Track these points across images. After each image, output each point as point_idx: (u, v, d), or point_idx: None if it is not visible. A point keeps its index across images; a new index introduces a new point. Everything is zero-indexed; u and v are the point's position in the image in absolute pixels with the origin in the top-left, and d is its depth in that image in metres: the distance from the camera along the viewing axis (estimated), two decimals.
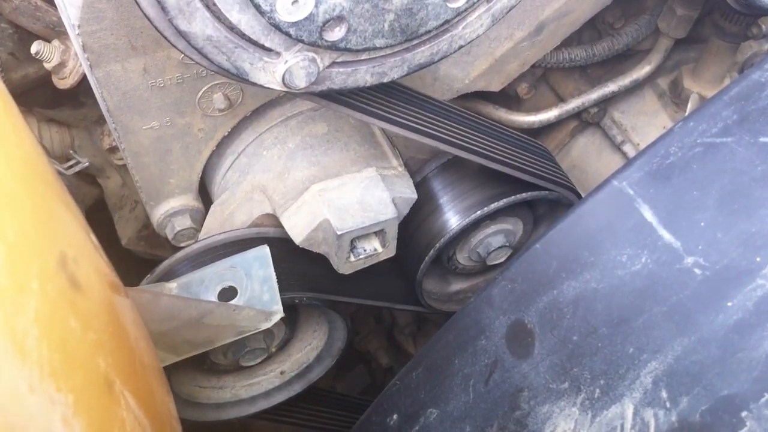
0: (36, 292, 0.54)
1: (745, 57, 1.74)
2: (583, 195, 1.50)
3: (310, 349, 1.52)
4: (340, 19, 0.94)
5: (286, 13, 0.90)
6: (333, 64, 1.03)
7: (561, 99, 1.77)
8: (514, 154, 1.40)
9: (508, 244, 1.49)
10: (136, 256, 1.71)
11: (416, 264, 1.45)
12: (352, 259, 1.30)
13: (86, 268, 0.63)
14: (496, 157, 1.35)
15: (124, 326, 0.70)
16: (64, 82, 1.32)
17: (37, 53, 1.29)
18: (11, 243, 0.53)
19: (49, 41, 1.31)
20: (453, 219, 1.40)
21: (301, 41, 0.95)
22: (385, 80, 1.09)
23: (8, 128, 0.60)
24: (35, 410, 0.53)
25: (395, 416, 1.04)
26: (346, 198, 1.28)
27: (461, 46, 1.11)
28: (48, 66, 1.31)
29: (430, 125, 1.29)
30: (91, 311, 0.62)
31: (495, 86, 1.51)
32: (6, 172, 0.56)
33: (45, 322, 0.55)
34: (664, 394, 0.81)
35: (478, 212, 1.38)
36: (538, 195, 1.42)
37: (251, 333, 1.13)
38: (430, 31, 1.05)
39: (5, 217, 0.54)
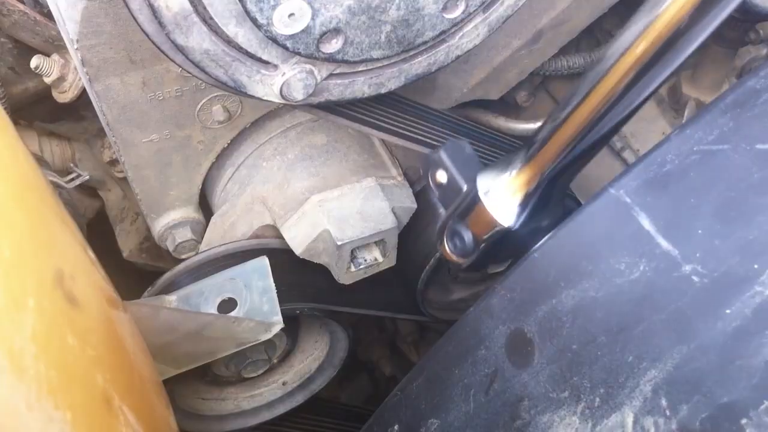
0: (33, 309, 0.54)
1: (743, 62, 1.73)
2: (582, 202, 1.50)
3: (312, 359, 1.52)
4: (336, 31, 0.95)
5: (283, 26, 0.91)
6: (330, 75, 1.03)
7: None
8: None
9: None
10: (138, 268, 1.71)
11: (417, 273, 1.45)
12: (353, 269, 1.30)
13: (83, 284, 0.63)
14: None
15: (122, 341, 0.70)
16: (64, 95, 1.33)
17: (36, 67, 1.29)
18: (7, 260, 0.53)
19: (48, 55, 1.32)
20: None
21: (299, 54, 0.96)
22: (383, 91, 1.09)
23: (3, 145, 0.61)
24: (33, 428, 0.54)
25: (396, 427, 1.03)
26: (345, 208, 1.28)
27: (458, 56, 1.11)
28: (47, 80, 1.32)
29: (429, 134, 1.29)
30: (89, 327, 0.62)
31: (494, 94, 1.52)
32: (1, 189, 0.56)
33: (42, 339, 0.55)
34: (663, 402, 0.81)
35: None
36: None
37: (251, 344, 1.13)
38: (426, 42, 1.05)
39: (1, 234, 0.54)
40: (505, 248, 0.94)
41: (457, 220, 0.96)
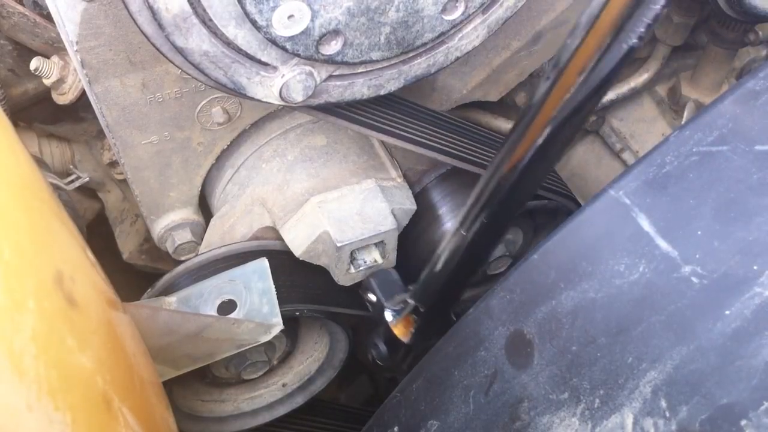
0: (33, 311, 0.55)
1: (743, 63, 1.74)
2: (582, 203, 1.50)
3: (312, 360, 1.52)
4: (336, 33, 0.95)
5: (283, 28, 0.91)
6: (330, 77, 1.03)
7: None
8: None
9: (508, 253, 1.49)
10: (138, 269, 1.71)
11: (416, 274, 1.45)
12: (352, 270, 1.30)
13: (83, 285, 0.63)
14: None
15: (122, 343, 0.71)
16: (64, 97, 1.33)
17: (36, 69, 1.29)
18: (7, 261, 0.54)
19: (48, 57, 1.32)
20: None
21: (298, 55, 0.96)
22: (382, 92, 1.10)
23: (3, 147, 0.61)
24: (33, 429, 0.54)
25: (396, 428, 1.03)
26: (345, 210, 1.28)
27: (458, 58, 1.11)
28: (47, 82, 1.32)
29: (428, 136, 1.29)
30: (89, 329, 0.62)
31: (493, 96, 1.52)
32: (1, 191, 0.56)
33: (42, 340, 0.55)
34: (663, 404, 0.81)
35: None
36: (537, 204, 1.42)
37: (251, 346, 1.13)
38: (426, 44, 1.05)
39: (1, 235, 0.54)
40: (407, 353, 1.21)
41: (376, 334, 1.22)
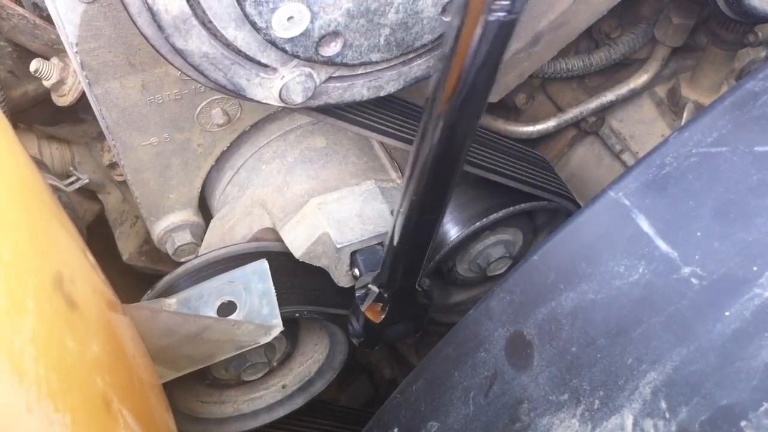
0: (32, 312, 0.55)
1: (742, 64, 1.74)
2: (582, 204, 1.50)
3: (312, 362, 1.52)
4: (335, 34, 0.95)
5: (282, 30, 0.91)
6: (329, 78, 1.03)
7: (559, 109, 1.78)
8: (513, 164, 1.40)
9: (508, 254, 1.49)
10: (138, 271, 1.71)
11: None
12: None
13: (82, 287, 0.63)
14: (494, 168, 1.35)
15: (121, 344, 0.71)
16: (64, 99, 1.33)
17: (36, 71, 1.29)
18: (7, 263, 0.54)
19: (47, 59, 1.32)
20: (452, 230, 1.40)
21: (297, 57, 0.96)
22: (382, 94, 1.10)
23: (2, 148, 0.61)
24: (33, 430, 0.54)
25: (396, 430, 1.03)
26: (345, 211, 1.28)
27: None
28: (47, 83, 1.32)
29: None
30: (88, 330, 0.62)
31: (493, 97, 1.52)
32: (1, 193, 0.56)
33: (42, 341, 0.55)
34: (663, 405, 0.81)
35: (478, 223, 1.38)
36: (537, 205, 1.42)
37: (251, 347, 1.13)
38: (425, 45, 1.05)
39: (1, 237, 0.54)
40: (382, 332, 1.23)
41: (353, 311, 1.23)
